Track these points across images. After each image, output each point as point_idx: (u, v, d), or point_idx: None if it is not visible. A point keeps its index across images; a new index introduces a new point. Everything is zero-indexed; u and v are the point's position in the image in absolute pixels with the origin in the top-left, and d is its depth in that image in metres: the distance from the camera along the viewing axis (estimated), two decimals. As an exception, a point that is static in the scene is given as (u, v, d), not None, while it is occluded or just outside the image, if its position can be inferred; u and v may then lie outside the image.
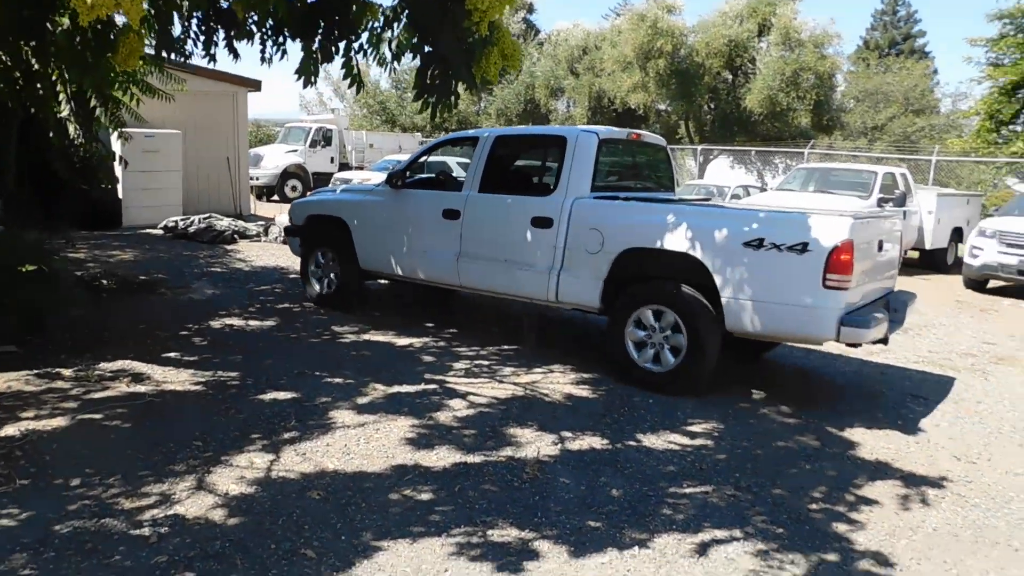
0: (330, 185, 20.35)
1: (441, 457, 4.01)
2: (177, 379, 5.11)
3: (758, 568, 3.08)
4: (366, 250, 7.15)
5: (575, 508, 3.51)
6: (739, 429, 4.73)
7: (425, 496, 3.54)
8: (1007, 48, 19.58)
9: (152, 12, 4.74)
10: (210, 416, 4.45)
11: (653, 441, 4.44)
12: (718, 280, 5.09)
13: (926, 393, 5.88)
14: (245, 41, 5.40)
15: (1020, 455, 4.68)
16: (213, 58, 5.48)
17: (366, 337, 6.47)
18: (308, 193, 18.60)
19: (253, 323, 6.80)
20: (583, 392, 5.30)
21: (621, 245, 5.51)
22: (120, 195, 12.70)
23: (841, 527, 3.51)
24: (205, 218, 12.21)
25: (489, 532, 3.23)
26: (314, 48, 4.76)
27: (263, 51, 5.46)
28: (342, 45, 4.77)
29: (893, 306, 5.64)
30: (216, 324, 6.71)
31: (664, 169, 7.24)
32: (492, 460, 4.00)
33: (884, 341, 5.20)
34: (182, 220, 12.20)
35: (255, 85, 14.68)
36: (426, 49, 4.36)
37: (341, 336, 6.47)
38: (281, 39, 5.27)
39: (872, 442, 4.68)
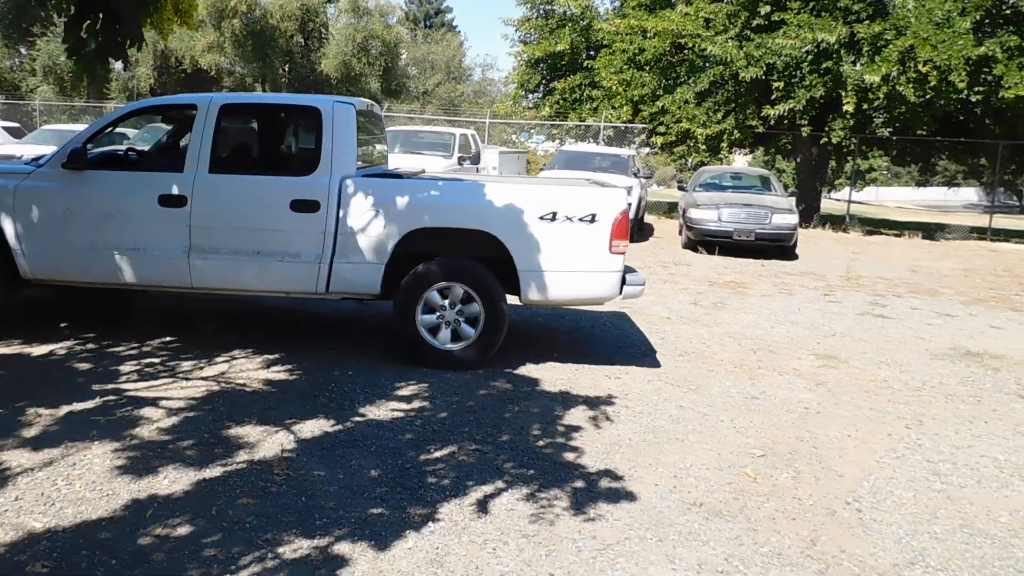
0: None
1: (174, 480, 3.34)
2: None
3: (536, 511, 3.24)
4: (36, 254, 5.18)
5: (348, 499, 3.26)
6: (443, 386, 4.83)
7: (184, 530, 2.92)
8: (530, 29, 22.53)
9: None
10: None
11: (376, 413, 4.31)
12: (515, 254, 5.03)
13: (566, 324, 6.71)
14: None
15: (640, 368, 5.67)
16: None
17: (-19, 352, 4.98)
18: None
19: None
20: (280, 375, 4.86)
21: (407, 226, 5.03)
22: None
23: (570, 456, 3.87)
24: None
25: (279, 550, 2.83)
26: None
27: None
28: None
29: None
30: None
31: (384, 140, 6.84)
32: (233, 470, 3.47)
33: None
34: None
35: None
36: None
37: (-56, 356, 4.87)
38: None
39: (547, 375, 5.19)
